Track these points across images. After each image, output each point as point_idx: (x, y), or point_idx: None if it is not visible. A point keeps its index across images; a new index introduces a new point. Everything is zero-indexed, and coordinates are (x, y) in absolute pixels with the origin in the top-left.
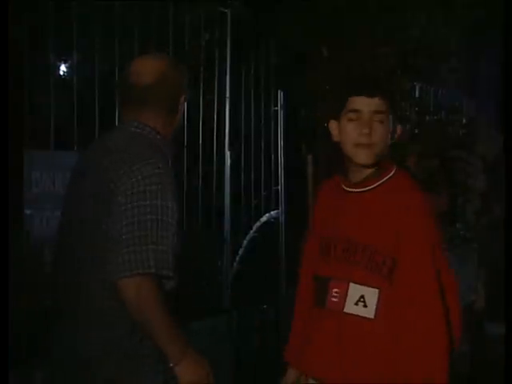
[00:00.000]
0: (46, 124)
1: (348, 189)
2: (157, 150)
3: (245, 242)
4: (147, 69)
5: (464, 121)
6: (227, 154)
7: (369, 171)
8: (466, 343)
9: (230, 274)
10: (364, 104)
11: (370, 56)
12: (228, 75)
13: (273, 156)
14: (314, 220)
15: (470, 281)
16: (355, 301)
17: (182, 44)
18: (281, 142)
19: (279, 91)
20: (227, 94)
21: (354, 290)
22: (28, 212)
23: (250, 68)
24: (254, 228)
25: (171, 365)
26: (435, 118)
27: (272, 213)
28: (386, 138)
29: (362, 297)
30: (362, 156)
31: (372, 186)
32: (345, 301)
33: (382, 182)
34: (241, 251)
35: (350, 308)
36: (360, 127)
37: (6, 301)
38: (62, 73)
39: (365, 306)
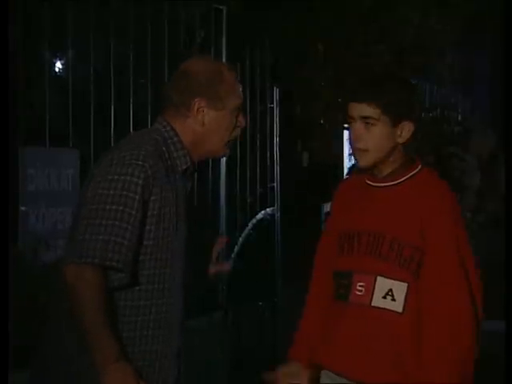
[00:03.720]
0: (41, 121)
1: (373, 183)
2: (155, 144)
3: (240, 239)
4: (180, 66)
5: (459, 118)
6: None
7: (394, 166)
8: None
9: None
10: (354, 110)
11: (365, 53)
12: None
13: (268, 153)
14: (332, 218)
15: None
16: (383, 294)
17: (178, 41)
18: (276, 139)
19: (275, 88)
20: None
21: (382, 284)
22: (23, 209)
23: (246, 65)
24: (250, 225)
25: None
26: (430, 115)
27: (268, 210)
28: (381, 141)
29: (390, 290)
30: (360, 160)
31: (398, 181)
32: (372, 294)
33: (408, 178)
34: (236, 248)
35: (378, 301)
36: (353, 133)
37: (5, 301)
38: (57, 70)
39: (393, 299)
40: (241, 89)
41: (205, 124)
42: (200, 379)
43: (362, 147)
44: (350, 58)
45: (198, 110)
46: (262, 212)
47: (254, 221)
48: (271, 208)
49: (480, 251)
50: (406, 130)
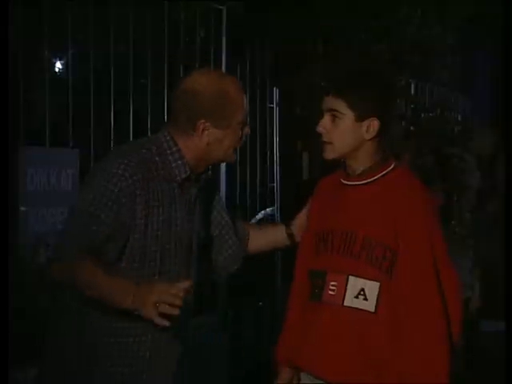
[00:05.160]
0: (41, 121)
1: (346, 182)
2: (143, 154)
3: None
4: (184, 80)
5: (459, 118)
6: None
7: (367, 165)
8: (461, 340)
9: None
10: (324, 103)
11: (365, 53)
12: None
13: (268, 153)
14: (311, 216)
15: (465, 278)
16: (355, 294)
17: (178, 41)
18: (276, 139)
19: (275, 88)
20: None
21: (354, 283)
22: (23, 209)
23: (246, 65)
24: None
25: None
26: (430, 115)
27: (267, 210)
28: (346, 135)
29: (363, 290)
30: (325, 152)
31: (370, 180)
32: (344, 294)
33: (380, 176)
34: None
35: (350, 301)
36: (319, 126)
37: (5, 301)
38: (57, 70)
39: (365, 299)
40: (245, 101)
41: (209, 143)
42: (200, 379)
43: (327, 140)
44: (349, 57)
45: (202, 130)
46: (262, 212)
47: (253, 221)
48: (271, 208)
49: (480, 251)
50: (372, 126)
